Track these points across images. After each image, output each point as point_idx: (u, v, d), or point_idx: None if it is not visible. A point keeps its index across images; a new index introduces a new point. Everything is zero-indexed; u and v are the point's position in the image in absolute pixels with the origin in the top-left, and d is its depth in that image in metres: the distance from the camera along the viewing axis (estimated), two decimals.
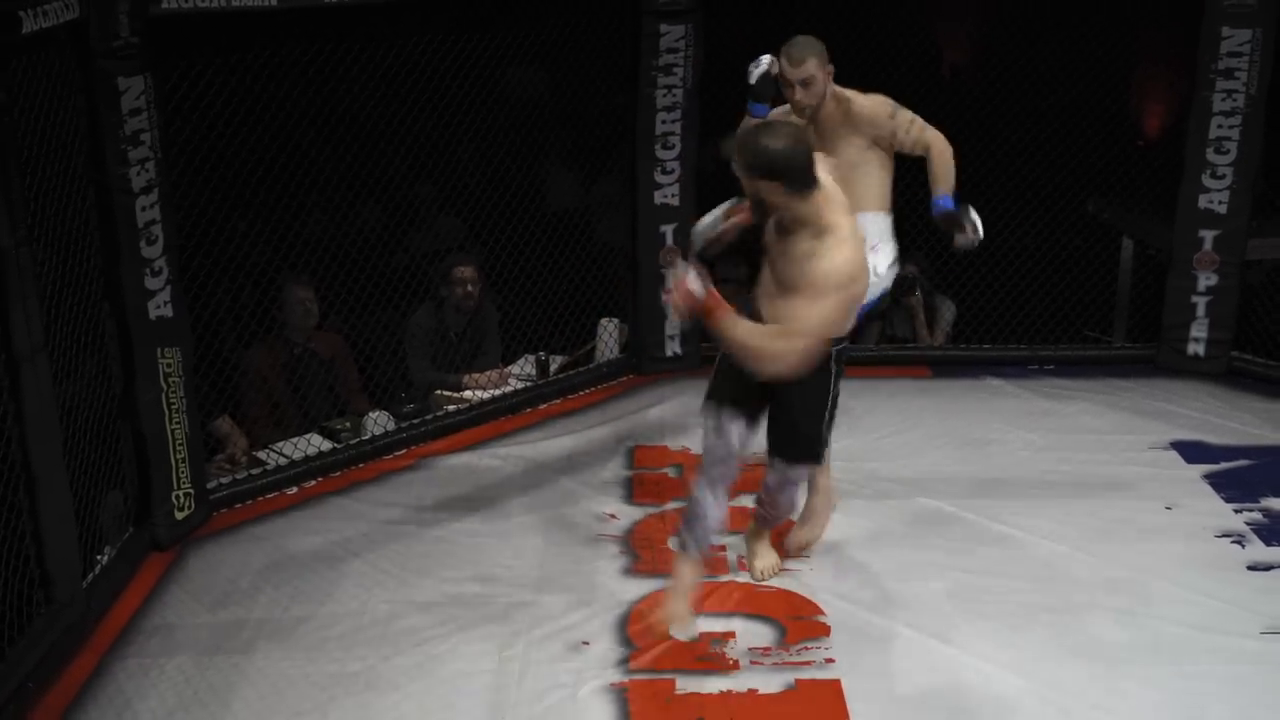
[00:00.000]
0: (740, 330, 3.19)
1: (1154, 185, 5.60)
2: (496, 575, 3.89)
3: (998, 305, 5.73)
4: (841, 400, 4.30)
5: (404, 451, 4.75)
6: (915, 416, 4.98)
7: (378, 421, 4.83)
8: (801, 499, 3.82)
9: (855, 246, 3.22)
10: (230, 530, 4.20)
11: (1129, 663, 3.41)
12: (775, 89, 3.82)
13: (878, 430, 4.82)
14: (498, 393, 5.13)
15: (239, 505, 4.34)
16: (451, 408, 4.99)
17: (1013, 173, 6.07)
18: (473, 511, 4.32)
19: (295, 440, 4.64)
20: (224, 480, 4.38)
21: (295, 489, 4.47)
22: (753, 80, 3.79)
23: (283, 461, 4.54)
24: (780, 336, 3.17)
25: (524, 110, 6.60)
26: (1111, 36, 6.02)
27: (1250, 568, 3.90)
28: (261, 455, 4.60)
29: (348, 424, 4.77)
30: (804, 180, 3.19)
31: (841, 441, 4.68)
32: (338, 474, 4.58)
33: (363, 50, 4.60)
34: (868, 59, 6.14)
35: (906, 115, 3.75)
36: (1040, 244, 5.61)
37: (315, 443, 4.66)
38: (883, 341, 5.76)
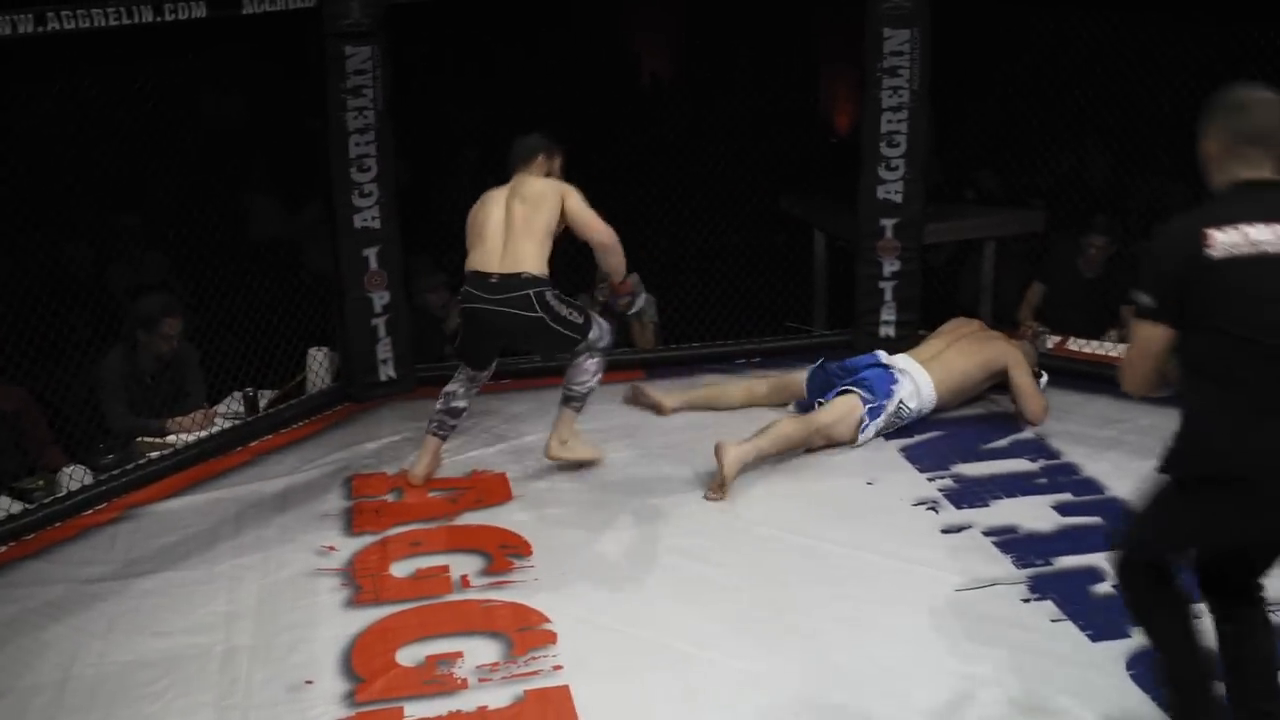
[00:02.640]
0: None
1: (840, 179, 5.92)
2: (212, 623, 3.73)
3: (704, 303, 5.93)
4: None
5: (105, 505, 4.48)
6: (635, 416, 5.10)
7: (74, 476, 4.53)
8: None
9: None
10: None
11: (837, 631, 3.58)
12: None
13: (600, 435, 4.86)
14: (204, 434, 4.91)
15: None
16: (156, 454, 4.75)
17: (712, 174, 6.30)
18: (184, 559, 4.13)
19: None
20: None
21: None
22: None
23: None
24: None
25: (220, 138, 6.37)
26: (795, 41, 6.31)
27: (944, 531, 4.18)
28: None
29: (40, 482, 4.48)
30: None
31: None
32: (31, 536, 4.27)
33: (42, 79, 4.34)
34: (564, 70, 6.24)
35: None
36: (740, 242, 5.84)
37: (3, 505, 4.34)
38: None
